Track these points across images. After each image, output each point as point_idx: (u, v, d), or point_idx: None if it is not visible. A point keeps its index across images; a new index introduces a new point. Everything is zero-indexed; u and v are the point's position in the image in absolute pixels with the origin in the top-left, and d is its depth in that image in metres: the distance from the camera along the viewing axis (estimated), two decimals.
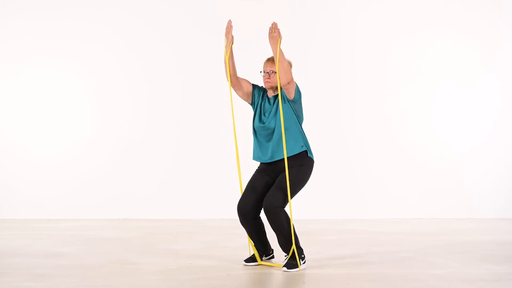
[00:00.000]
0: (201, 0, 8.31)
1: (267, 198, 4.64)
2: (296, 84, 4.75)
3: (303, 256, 4.73)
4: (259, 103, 4.85)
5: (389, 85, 8.28)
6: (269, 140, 4.76)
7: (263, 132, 4.79)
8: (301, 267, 4.69)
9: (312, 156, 4.78)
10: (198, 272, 4.62)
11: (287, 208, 4.70)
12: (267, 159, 4.77)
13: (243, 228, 6.40)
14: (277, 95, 4.77)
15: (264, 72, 4.79)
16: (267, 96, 4.85)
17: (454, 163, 8.22)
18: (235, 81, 4.85)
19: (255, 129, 4.83)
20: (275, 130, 4.73)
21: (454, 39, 8.25)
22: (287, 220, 4.64)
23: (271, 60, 4.78)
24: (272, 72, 4.75)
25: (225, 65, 4.82)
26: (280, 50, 4.63)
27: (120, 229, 7.06)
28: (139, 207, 8.15)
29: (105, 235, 6.57)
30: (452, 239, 6.23)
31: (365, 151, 8.26)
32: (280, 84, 4.66)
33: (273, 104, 4.79)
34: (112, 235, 6.57)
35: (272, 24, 4.64)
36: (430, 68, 8.26)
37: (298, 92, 4.73)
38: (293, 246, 4.66)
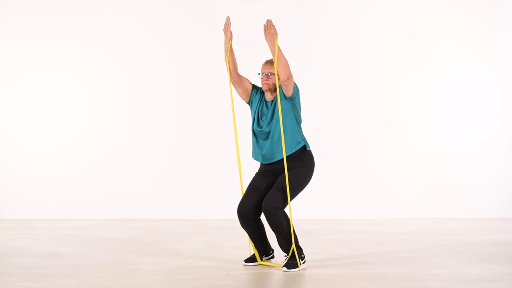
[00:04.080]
0: (201, 0, 8.31)
1: (266, 199, 4.65)
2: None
3: (303, 256, 4.73)
4: (257, 106, 4.86)
5: (389, 86, 8.28)
6: (267, 142, 4.77)
7: (262, 135, 4.80)
8: (301, 267, 4.69)
9: (309, 147, 4.79)
10: (198, 272, 4.63)
11: (286, 209, 4.71)
12: (266, 161, 4.78)
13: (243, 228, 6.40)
14: (275, 99, 4.78)
15: (262, 74, 4.80)
16: (265, 99, 4.86)
17: (454, 163, 8.21)
18: (236, 77, 4.86)
19: (254, 132, 4.84)
20: (273, 131, 4.73)
21: (454, 39, 8.25)
22: (287, 220, 4.65)
23: (269, 62, 4.80)
24: (271, 74, 4.76)
25: (226, 62, 4.83)
26: (278, 46, 4.63)
27: (120, 229, 7.06)
28: (139, 207, 8.15)
29: (105, 235, 6.57)
30: (452, 239, 6.23)
31: (365, 151, 8.25)
32: (279, 81, 4.66)
33: (269, 108, 4.79)
34: (112, 235, 6.57)
35: (267, 21, 4.65)
36: (430, 68, 8.25)
37: (296, 89, 4.74)
38: (293, 246, 4.67)
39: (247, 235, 4.93)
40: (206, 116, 8.25)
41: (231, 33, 4.83)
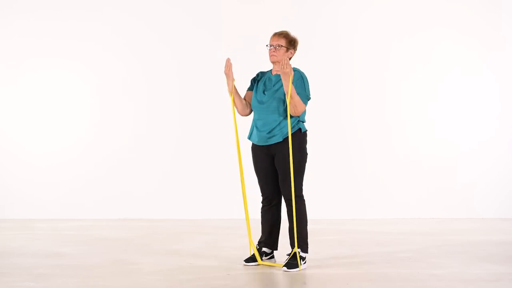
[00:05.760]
0: (201, 0, 8.31)
1: (284, 186, 4.73)
2: (304, 76, 4.75)
3: (304, 256, 4.73)
4: (259, 83, 4.87)
5: (389, 86, 8.28)
6: (264, 125, 4.78)
7: (259, 110, 4.80)
8: (301, 267, 4.69)
9: (304, 128, 4.80)
10: (198, 272, 4.63)
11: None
12: (261, 142, 4.81)
13: (243, 228, 6.39)
14: (279, 77, 4.80)
15: (270, 46, 4.80)
16: (268, 77, 4.86)
17: (454, 163, 8.21)
18: (248, 110, 4.94)
19: (253, 106, 4.87)
20: (271, 115, 4.74)
21: (454, 39, 8.25)
22: (303, 213, 4.73)
23: (278, 34, 4.79)
24: (279, 46, 4.75)
25: (233, 105, 4.88)
26: (292, 86, 4.64)
27: (120, 229, 7.06)
28: (139, 207, 8.15)
29: (105, 235, 6.57)
30: (452, 239, 6.23)
31: (365, 151, 8.25)
32: (289, 111, 4.69)
33: (274, 84, 4.80)
34: (112, 235, 6.57)
35: (284, 60, 4.63)
36: (430, 68, 8.25)
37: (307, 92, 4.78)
38: (295, 248, 4.68)
39: (247, 234, 4.92)
40: (206, 116, 8.25)
41: (232, 73, 4.83)
